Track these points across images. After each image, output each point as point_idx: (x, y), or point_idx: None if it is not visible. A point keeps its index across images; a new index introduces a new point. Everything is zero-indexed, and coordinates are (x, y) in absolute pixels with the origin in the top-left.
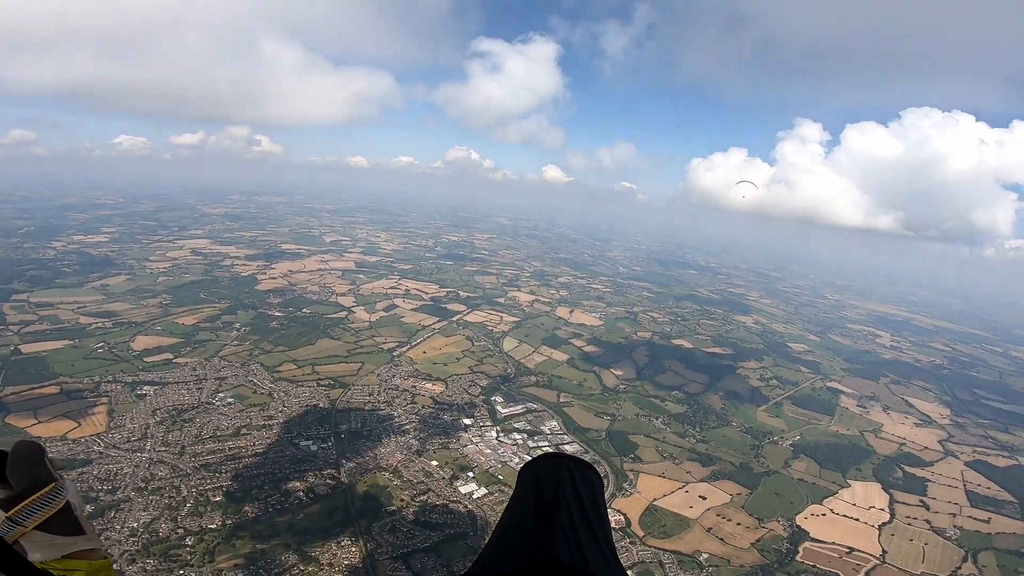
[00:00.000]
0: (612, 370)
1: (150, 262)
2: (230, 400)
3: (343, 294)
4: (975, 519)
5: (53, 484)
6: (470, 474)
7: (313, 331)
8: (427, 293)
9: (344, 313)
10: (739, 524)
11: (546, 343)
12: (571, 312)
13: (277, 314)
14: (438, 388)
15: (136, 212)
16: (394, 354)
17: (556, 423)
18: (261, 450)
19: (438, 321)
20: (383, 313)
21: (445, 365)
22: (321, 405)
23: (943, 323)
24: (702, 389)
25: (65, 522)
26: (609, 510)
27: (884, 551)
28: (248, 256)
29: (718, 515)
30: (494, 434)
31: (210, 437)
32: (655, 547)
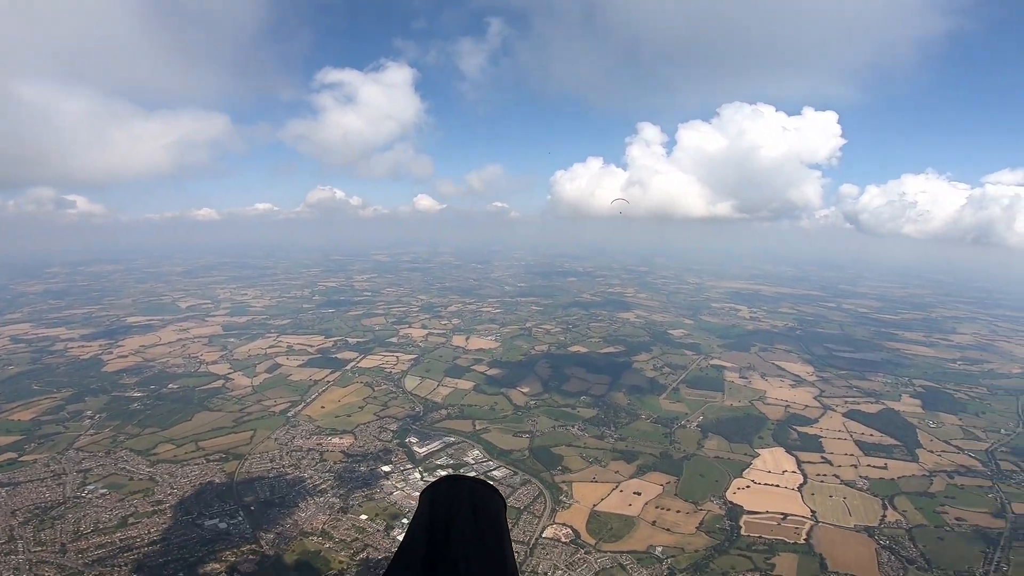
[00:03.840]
0: (519, 388)
1: None
2: (103, 491)
3: (214, 362)
4: (874, 467)
5: None
6: (404, 520)
7: (186, 406)
8: (312, 346)
9: (220, 382)
10: (679, 511)
11: (449, 374)
12: (467, 339)
13: (136, 395)
14: (347, 441)
15: None
16: (288, 415)
17: (478, 451)
18: (159, 536)
19: (331, 373)
20: (266, 375)
21: (348, 416)
22: (218, 480)
23: (784, 289)
24: (606, 389)
25: None
26: (555, 524)
27: (813, 511)
28: (84, 336)
29: (657, 507)
30: (418, 475)
31: (91, 531)
32: (610, 551)
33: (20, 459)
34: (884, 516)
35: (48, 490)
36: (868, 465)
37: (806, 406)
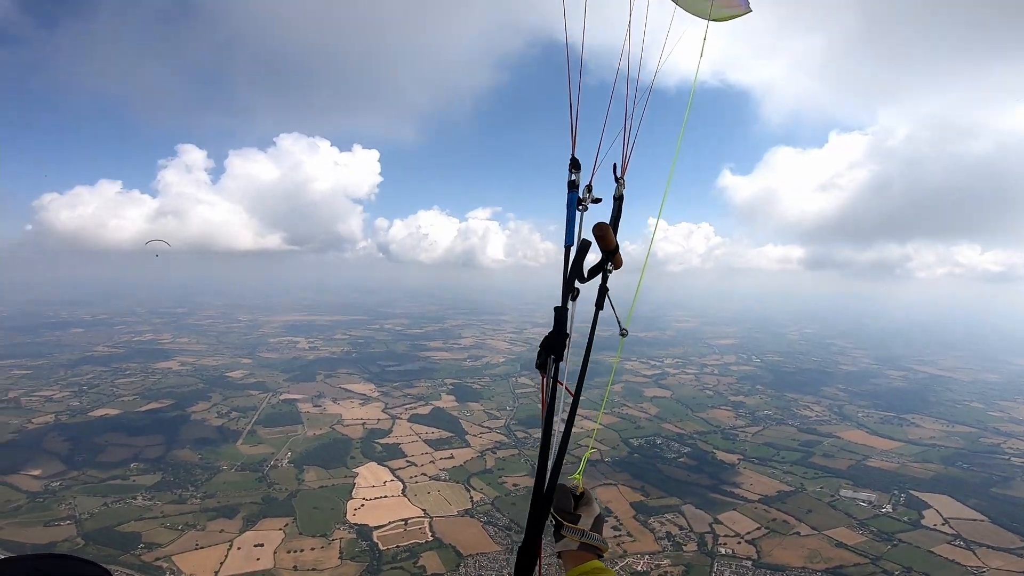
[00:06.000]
0: (26, 472)
1: None
2: None
3: None
4: (445, 459)
5: None
6: None
7: None
8: None
9: None
10: (313, 548)
11: None
12: None
13: None
14: None
15: None
16: None
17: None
18: None
19: None
20: None
21: None
22: None
23: (336, 317)
24: (164, 450)
25: None
26: None
27: (424, 510)
28: None
29: (288, 551)
30: None
31: None
32: None
33: None
34: (472, 497)
35: None
36: (441, 459)
37: (379, 420)
